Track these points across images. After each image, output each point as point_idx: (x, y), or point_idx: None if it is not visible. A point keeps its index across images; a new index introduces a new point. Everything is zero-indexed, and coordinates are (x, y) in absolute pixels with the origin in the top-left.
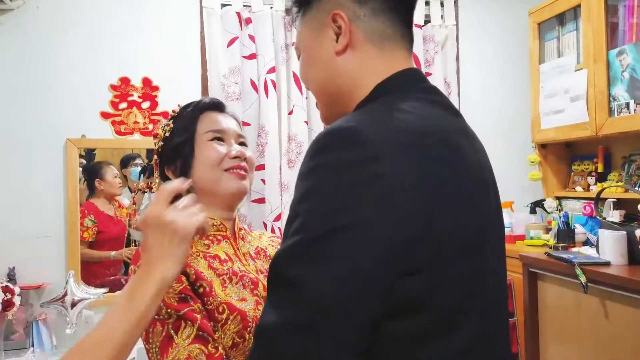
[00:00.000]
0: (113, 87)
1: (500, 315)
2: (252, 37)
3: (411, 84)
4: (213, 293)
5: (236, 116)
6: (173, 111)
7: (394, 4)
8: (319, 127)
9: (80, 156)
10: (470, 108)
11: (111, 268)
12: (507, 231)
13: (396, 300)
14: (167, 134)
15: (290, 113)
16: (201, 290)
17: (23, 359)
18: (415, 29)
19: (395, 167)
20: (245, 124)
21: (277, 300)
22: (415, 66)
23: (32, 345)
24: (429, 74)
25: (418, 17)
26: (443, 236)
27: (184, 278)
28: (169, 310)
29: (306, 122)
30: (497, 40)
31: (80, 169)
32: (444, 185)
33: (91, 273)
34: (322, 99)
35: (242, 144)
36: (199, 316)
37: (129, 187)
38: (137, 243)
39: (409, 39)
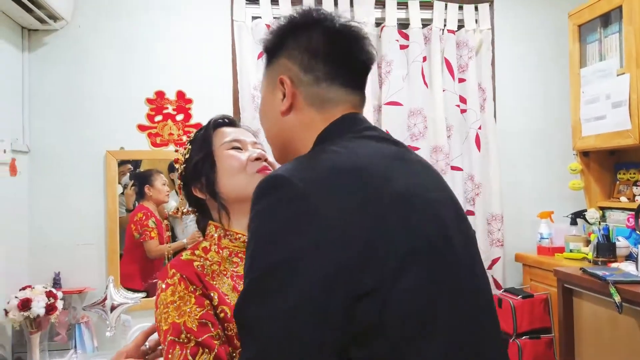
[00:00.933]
0: (149, 101)
1: (480, 333)
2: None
3: (344, 127)
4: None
5: (249, 128)
6: (188, 136)
7: (337, 73)
8: None
9: (126, 162)
10: (506, 114)
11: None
12: (545, 242)
13: (356, 326)
14: (186, 156)
15: None
16: (222, 315)
17: (65, 359)
18: (447, 35)
19: (322, 202)
20: None
21: (242, 344)
22: (357, 111)
23: (75, 347)
24: (463, 80)
25: (451, 22)
26: (380, 258)
27: (206, 302)
28: (188, 335)
29: None
30: (535, 44)
31: (128, 174)
32: (373, 212)
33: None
34: (273, 147)
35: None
36: (217, 343)
37: (176, 191)
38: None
39: (355, 100)
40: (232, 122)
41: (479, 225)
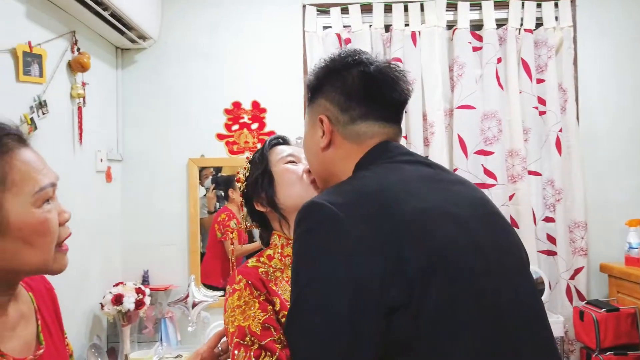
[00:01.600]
0: (227, 111)
1: (515, 343)
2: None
3: (379, 154)
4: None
5: (300, 144)
6: (247, 158)
7: (371, 111)
8: (416, 141)
9: (207, 168)
10: (590, 116)
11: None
12: (634, 252)
13: (392, 338)
14: (247, 175)
15: None
16: (284, 320)
17: (152, 351)
18: (524, 34)
19: (350, 224)
20: None
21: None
22: (393, 141)
23: (161, 340)
24: (542, 81)
25: (528, 21)
26: (405, 273)
27: (269, 307)
28: (252, 338)
29: (404, 137)
30: (622, 40)
31: (210, 178)
32: (399, 229)
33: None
34: (316, 176)
35: None
36: (279, 347)
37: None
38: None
39: (390, 133)
40: (285, 141)
41: (560, 233)
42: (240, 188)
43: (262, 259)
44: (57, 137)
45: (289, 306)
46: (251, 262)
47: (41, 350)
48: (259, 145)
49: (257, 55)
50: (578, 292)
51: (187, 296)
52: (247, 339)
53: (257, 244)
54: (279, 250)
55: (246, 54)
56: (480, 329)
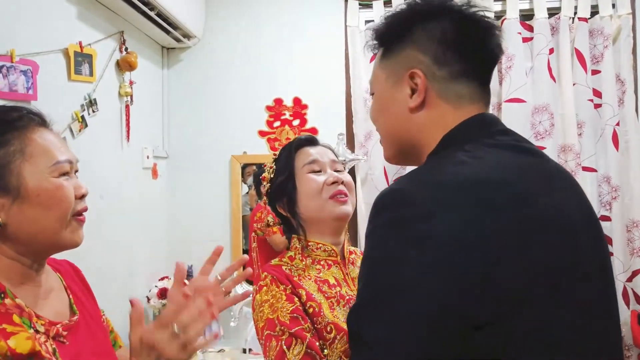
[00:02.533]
0: (268, 108)
1: None
2: None
3: (476, 130)
4: (322, 313)
5: (329, 146)
6: (274, 154)
7: (472, 67)
8: None
9: (250, 165)
10: None
11: None
12: None
13: (473, 357)
14: (272, 175)
15: None
16: (311, 310)
17: None
18: (578, 23)
19: (446, 224)
20: None
21: (353, 351)
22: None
23: (204, 334)
24: (597, 72)
25: (582, 9)
26: (504, 287)
27: (296, 299)
28: (282, 327)
29: None
30: None
31: (253, 175)
32: (500, 236)
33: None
34: (391, 146)
35: (337, 170)
36: (308, 335)
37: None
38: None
39: (486, 97)
40: (312, 142)
41: (617, 232)
42: (264, 187)
43: (284, 259)
44: (106, 134)
45: (355, 300)
46: (274, 261)
47: (75, 317)
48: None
49: (299, 51)
50: (635, 295)
51: (230, 292)
52: (277, 329)
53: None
54: (299, 252)
55: (288, 49)
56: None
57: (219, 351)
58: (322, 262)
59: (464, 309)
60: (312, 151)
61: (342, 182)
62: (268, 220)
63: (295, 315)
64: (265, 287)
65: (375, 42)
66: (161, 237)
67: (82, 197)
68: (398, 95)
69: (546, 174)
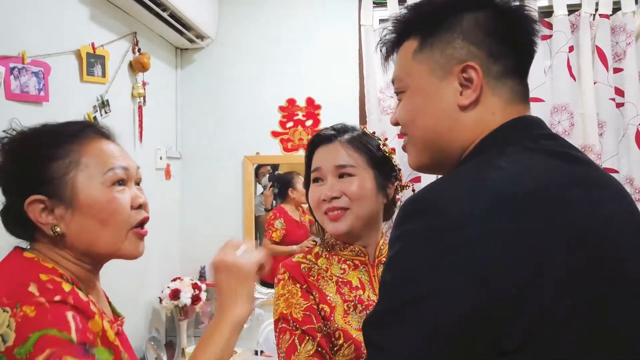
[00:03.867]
0: (281, 108)
1: None
2: None
3: (520, 133)
4: (332, 318)
5: (349, 141)
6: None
7: (522, 63)
8: None
9: (263, 165)
10: None
11: None
12: None
13: None
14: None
15: None
16: (322, 313)
17: None
18: (599, 20)
19: (479, 235)
20: (401, 136)
21: (369, 357)
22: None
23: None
24: (619, 70)
25: (604, 5)
26: (539, 309)
27: (310, 297)
28: (295, 324)
29: None
30: None
31: (267, 175)
32: (538, 251)
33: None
34: (424, 149)
35: (343, 175)
36: (319, 335)
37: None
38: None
39: (528, 98)
40: (327, 140)
41: None
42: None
43: (308, 256)
44: (119, 135)
45: (376, 307)
46: (297, 257)
47: (124, 318)
48: None
49: (312, 50)
50: None
51: None
52: (291, 324)
53: (289, 248)
54: (328, 249)
55: (301, 49)
56: None
57: None
58: (348, 262)
59: (491, 331)
60: (321, 154)
61: (334, 198)
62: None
63: (308, 313)
64: (282, 282)
65: (403, 32)
66: (174, 238)
67: (139, 207)
68: (445, 91)
69: (591, 183)
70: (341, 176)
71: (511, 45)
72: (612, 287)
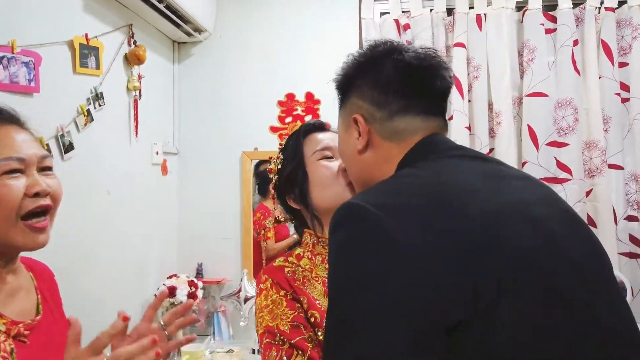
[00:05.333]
0: (280, 103)
1: None
2: (409, 43)
3: (426, 150)
4: (324, 324)
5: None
6: (280, 144)
7: (411, 104)
8: (480, 132)
9: (264, 161)
10: None
11: None
12: None
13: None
14: (279, 166)
15: (450, 119)
16: (312, 319)
17: (204, 345)
18: (605, 13)
19: (402, 229)
20: None
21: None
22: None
23: (213, 333)
24: (625, 64)
25: None
26: (470, 286)
27: (297, 305)
28: (282, 337)
29: (467, 127)
30: None
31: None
32: (458, 236)
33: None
34: (355, 184)
35: None
36: (310, 345)
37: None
38: None
39: (435, 125)
40: (322, 127)
41: None
42: (273, 179)
43: (290, 259)
44: (113, 129)
45: (324, 322)
46: (278, 261)
47: (38, 317)
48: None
49: (312, 44)
50: None
51: (240, 290)
52: (277, 338)
53: (292, 238)
54: (310, 249)
55: (300, 43)
56: (575, 350)
57: (228, 351)
58: None
59: (429, 312)
60: (322, 137)
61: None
62: (277, 216)
63: (296, 323)
64: (265, 292)
65: (337, 91)
66: (171, 234)
67: (35, 195)
68: (349, 139)
69: (504, 176)
70: None
71: (395, 91)
72: (543, 261)
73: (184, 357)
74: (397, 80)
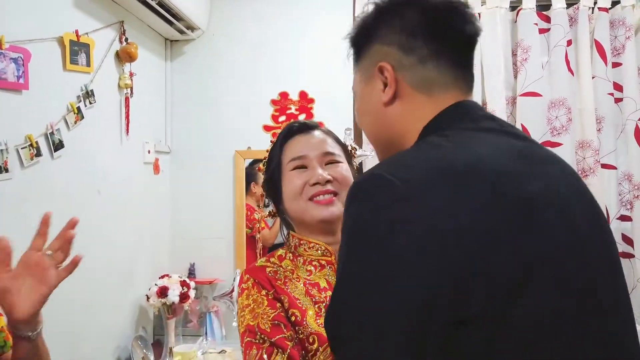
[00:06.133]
0: (274, 102)
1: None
2: None
3: (457, 116)
4: (304, 322)
5: (326, 130)
6: (271, 142)
7: (442, 49)
8: None
9: (258, 161)
10: None
11: None
12: None
13: (457, 356)
14: (264, 166)
15: None
16: (293, 318)
17: (196, 345)
18: (598, 13)
19: (427, 208)
20: None
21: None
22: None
23: (206, 334)
24: (618, 64)
25: None
26: (491, 278)
27: (278, 304)
28: (262, 335)
29: None
30: None
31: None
32: (487, 222)
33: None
34: (376, 146)
35: (330, 162)
36: (290, 344)
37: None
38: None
39: (464, 80)
40: (305, 129)
41: (638, 233)
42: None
43: (272, 259)
44: (104, 127)
45: (331, 299)
46: (260, 261)
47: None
48: None
49: (305, 43)
50: None
51: (232, 290)
52: (258, 337)
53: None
54: (292, 250)
55: (294, 41)
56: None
57: (220, 352)
58: (314, 263)
59: (444, 302)
60: (302, 142)
61: (328, 181)
62: (271, 210)
63: (277, 322)
64: (246, 291)
65: (351, 49)
66: (163, 234)
67: None
68: (372, 92)
69: (536, 157)
70: (327, 164)
71: (423, 35)
72: (565, 253)
73: (176, 357)
74: (425, 24)
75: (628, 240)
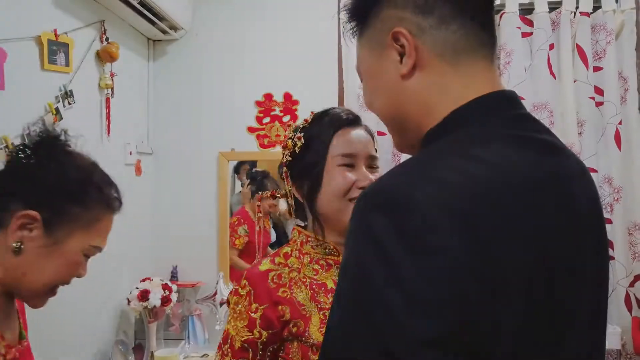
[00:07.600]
0: (258, 103)
1: None
2: None
3: (493, 113)
4: (307, 333)
5: (370, 130)
6: (305, 120)
7: (466, 5)
8: None
9: (243, 162)
10: None
11: None
12: None
13: None
14: (297, 149)
15: None
16: (295, 329)
17: (178, 349)
18: (580, 18)
19: (449, 241)
20: (381, 133)
21: None
22: (499, 84)
23: (188, 337)
24: (599, 68)
25: (584, 3)
26: (499, 322)
27: (256, 331)
28: (229, 350)
29: None
30: None
31: (246, 173)
32: (507, 264)
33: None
34: (392, 127)
35: (372, 166)
36: None
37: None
38: None
39: (490, 46)
40: (356, 122)
41: (618, 235)
42: (284, 156)
43: (277, 259)
44: (84, 127)
45: (329, 320)
46: (264, 263)
47: (25, 342)
48: None
49: (290, 44)
50: (638, 300)
51: (215, 293)
52: (227, 347)
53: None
54: (298, 247)
55: (279, 43)
56: None
57: (203, 356)
58: (320, 262)
59: (454, 341)
60: (353, 137)
61: None
62: (276, 190)
63: (246, 346)
64: (237, 298)
65: (352, 22)
66: (145, 236)
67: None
68: (387, 65)
69: (566, 173)
70: (369, 167)
71: None
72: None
73: None
74: None
75: (609, 243)
